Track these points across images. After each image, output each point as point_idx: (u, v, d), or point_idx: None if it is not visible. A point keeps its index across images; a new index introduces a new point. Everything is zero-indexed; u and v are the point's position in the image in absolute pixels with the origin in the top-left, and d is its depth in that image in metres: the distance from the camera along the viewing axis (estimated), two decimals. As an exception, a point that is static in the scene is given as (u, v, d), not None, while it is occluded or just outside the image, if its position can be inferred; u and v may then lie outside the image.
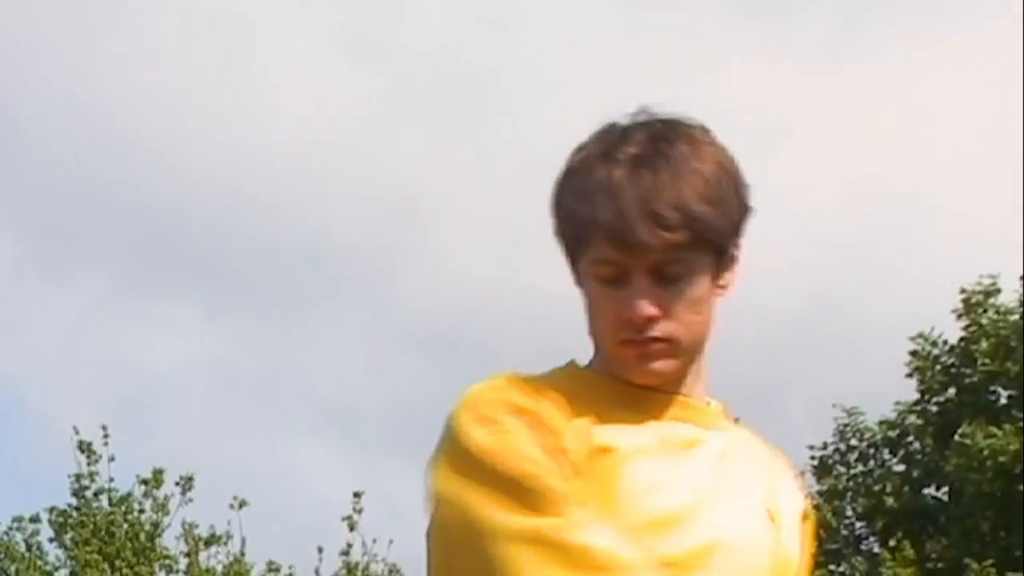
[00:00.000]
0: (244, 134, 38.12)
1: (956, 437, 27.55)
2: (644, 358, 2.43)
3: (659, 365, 2.43)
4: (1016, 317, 28.04)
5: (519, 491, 2.35)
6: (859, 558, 28.49)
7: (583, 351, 2.54)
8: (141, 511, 23.74)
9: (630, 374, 2.47)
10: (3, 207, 40.34)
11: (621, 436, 2.45)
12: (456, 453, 2.40)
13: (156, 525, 23.76)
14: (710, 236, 2.40)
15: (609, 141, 2.44)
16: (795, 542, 2.53)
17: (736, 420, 2.60)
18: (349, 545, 23.09)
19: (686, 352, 2.45)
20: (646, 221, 2.35)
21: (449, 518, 2.39)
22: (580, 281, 2.54)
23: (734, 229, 2.46)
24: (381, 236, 36.48)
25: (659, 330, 2.40)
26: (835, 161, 37.94)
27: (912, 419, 28.90)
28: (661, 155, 2.40)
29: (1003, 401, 28.15)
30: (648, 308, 2.38)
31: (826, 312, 37.64)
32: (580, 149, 2.52)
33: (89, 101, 37.78)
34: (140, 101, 37.82)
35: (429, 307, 36.35)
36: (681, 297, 2.41)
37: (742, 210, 2.47)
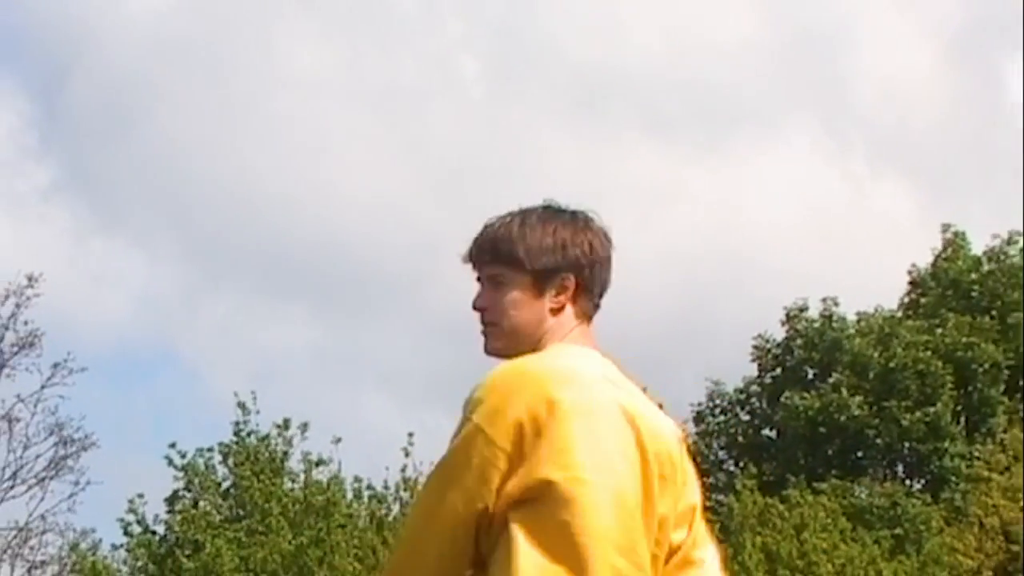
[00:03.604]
0: (329, 200, 48.23)
1: (781, 399, 33.88)
2: (483, 337, 3.22)
3: (487, 345, 3.20)
4: (818, 325, 34.40)
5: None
6: (721, 474, 33.84)
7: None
8: (276, 444, 27.68)
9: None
10: (177, 243, 48.99)
11: None
12: (474, 417, 3.02)
13: (285, 453, 27.69)
14: (514, 262, 3.14)
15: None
16: None
17: None
18: (405, 466, 26.48)
19: (505, 336, 3.17)
20: (474, 242, 3.21)
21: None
22: None
23: (544, 267, 3.14)
24: (418, 265, 45.80)
25: (487, 317, 3.18)
26: (705, 218, 46.36)
27: (754, 388, 35.27)
28: (508, 216, 3.20)
29: (810, 377, 34.43)
30: (478, 301, 3.18)
31: (702, 317, 45.29)
32: None
33: (237, 177, 47.41)
34: (267, 178, 47.24)
35: (450, 310, 41.66)
36: (497, 298, 3.16)
37: (550, 256, 3.15)
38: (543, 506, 2.96)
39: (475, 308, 3.17)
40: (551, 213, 3.19)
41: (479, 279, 3.19)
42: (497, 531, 2.98)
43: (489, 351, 3.16)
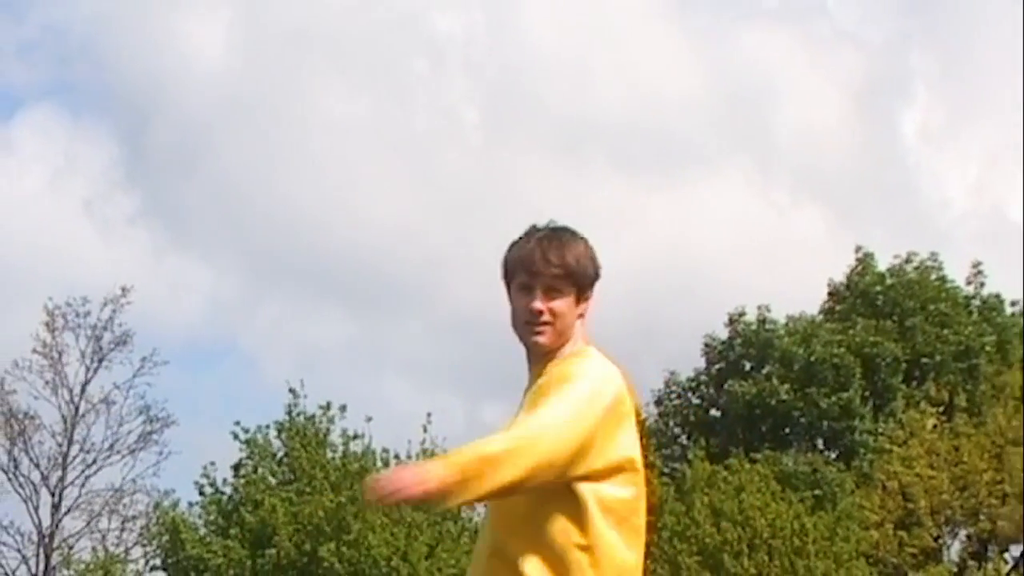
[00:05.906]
0: (359, 223, 52.86)
1: (725, 387, 35.75)
2: (534, 333, 3.80)
3: (541, 339, 3.79)
4: (754, 327, 35.96)
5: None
6: (676, 447, 35.84)
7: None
8: (320, 422, 30.14)
9: (527, 342, 3.82)
10: (238, 258, 54.56)
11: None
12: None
13: (328, 430, 30.22)
14: (573, 279, 3.75)
15: (529, 231, 3.86)
16: None
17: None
18: (424, 439, 29.13)
19: (555, 333, 3.76)
20: (543, 261, 3.75)
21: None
22: (509, 297, 3.86)
23: (585, 283, 3.76)
24: (430, 275, 51.32)
25: (544, 318, 3.76)
26: (662, 238, 50.63)
27: (703, 377, 37.00)
28: (554, 237, 3.80)
29: (748, 369, 36.14)
30: (540, 305, 3.77)
31: (660, 319, 48.24)
32: (519, 237, 3.88)
33: (285, 204, 52.21)
34: (309, 205, 52.34)
35: (455, 312, 49.96)
36: (555, 305, 3.77)
37: (590, 275, 3.77)
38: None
39: (538, 309, 3.83)
40: (573, 234, 3.91)
41: (524, 285, 3.87)
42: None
43: (538, 345, 3.93)
